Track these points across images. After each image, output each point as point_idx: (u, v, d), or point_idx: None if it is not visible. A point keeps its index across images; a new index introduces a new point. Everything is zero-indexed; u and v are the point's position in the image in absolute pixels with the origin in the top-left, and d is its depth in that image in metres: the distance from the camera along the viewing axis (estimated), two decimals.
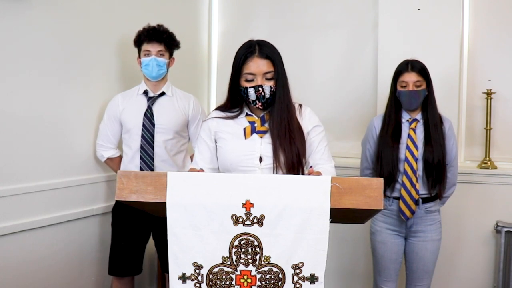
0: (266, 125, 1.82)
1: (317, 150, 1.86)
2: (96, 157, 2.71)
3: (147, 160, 2.54)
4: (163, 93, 2.62)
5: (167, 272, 2.65)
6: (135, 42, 2.60)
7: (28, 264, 2.39)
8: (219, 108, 1.91)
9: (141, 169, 2.52)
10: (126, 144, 2.62)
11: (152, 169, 2.52)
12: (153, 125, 2.55)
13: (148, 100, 2.59)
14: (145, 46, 2.55)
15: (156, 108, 2.58)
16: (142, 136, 2.54)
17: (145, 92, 2.61)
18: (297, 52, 3.34)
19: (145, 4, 3.04)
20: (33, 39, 2.37)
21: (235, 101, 1.85)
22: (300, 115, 1.86)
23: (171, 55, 2.64)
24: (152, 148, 2.54)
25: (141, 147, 2.54)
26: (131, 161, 2.57)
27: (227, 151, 1.83)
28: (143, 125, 2.55)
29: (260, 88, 1.75)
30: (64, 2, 2.52)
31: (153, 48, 2.54)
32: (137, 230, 2.61)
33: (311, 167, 1.79)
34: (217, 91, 3.68)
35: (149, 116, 2.56)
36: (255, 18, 3.56)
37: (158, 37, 2.54)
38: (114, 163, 2.67)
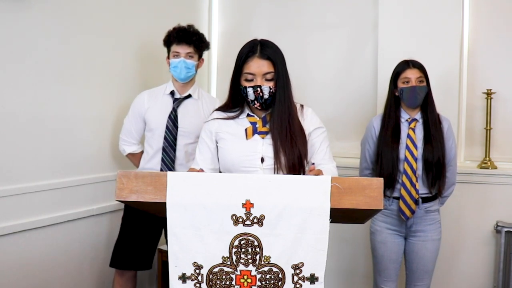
0: (268, 126, 1.82)
1: (319, 151, 1.86)
2: (96, 157, 2.71)
3: (168, 162, 2.53)
4: (189, 96, 2.61)
5: None
6: (165, 42, 2.58)
7: (28, 265, 2.39)
8: (220, 109, 1.91)
9: (161, 170, 2.51)
10: (147, 142, 2.61)
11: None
12: (176, 127, 2.53)
13: (173, 102, 2.58)
14: (174, 48, 2.53)
15: (181, 111, 2.56)
16: (165, 138, 2.54)
17: (172, 93, 2.60)
18: (297, 52, 3.34)
19: (145, 4, 3.04)
20: (32, 39, 2.37)
21: (236, 100, 1.86)
22: (301, 116, 1.86)
23: (200, 56, 2.62)
24: (174, 150, 2.53)
25: (163, 149, 2.53)
26: (151, 160, 2.57)
27: (228, 151, 1.83)
28: (167, 127, 2.53)
29: (258, 89, 1.76)
30: (64, 1, 2.51)
31: (182, 49, 2.51)
32: (148, 226, 2.59)
33: (313, 163, 1.79)
34: (217, 91, 3.68)
35: (173, 118, 2.54)
36: (255, 18, 3.56)
37: (188, 39, 2.52)
38: (136, 158, 2.67)
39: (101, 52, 2.74)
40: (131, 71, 2.88)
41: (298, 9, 3.43)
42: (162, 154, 2.54)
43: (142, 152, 2.67)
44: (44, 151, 2.46)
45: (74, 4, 2.57)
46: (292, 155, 1.76)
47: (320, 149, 1.86)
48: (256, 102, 1.78)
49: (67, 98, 2.56)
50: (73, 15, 2.56)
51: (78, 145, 2.64)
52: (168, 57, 2.58)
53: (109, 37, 2.77)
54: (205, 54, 3.64)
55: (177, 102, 2.58)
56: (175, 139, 2.53)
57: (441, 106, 2.50)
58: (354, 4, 3.30)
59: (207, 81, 3.71)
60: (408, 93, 2.39)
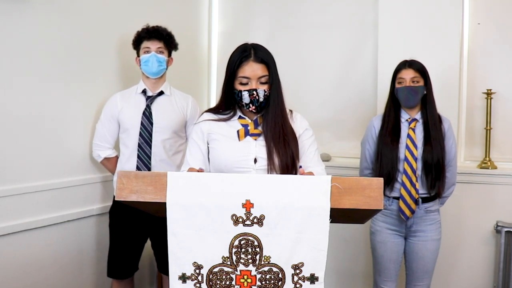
0: (260, 128, 1.83)
1: (308, 153, 1.88)
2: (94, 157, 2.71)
3: (144, 159, 2.53)
4: (161, 93, 2.62)
5: (164, 272, 2.67)
6: (134, 42, 2.59)
7: (27, 264, 2.39)
8: (211, 110, 1.92)
9: (138, 168, 2.51)
10: (123, 144, 2.60)
11: (149, 169, 2.51)
12: (152, 124, 2.54)
13: (146, 99, 2.59)
14: (145, 44, 2.55)
15: (154, 107, 2.57)
16: (140, 134, 2.53)
17: (144, 92, 2.60)
18: (297, 52, 3.34)
19: (145, 4, 3.04)
20: (31, 39, 2.36)
21: (228, 103, 1.87)
22: (291, 120, 1.88)
23: (169, 54, 2.64)
24: (150, 147, 2.53)
25: (139, 145, 2.53)
26: (128, 161, 2.55)
27: (221, 152, 1.83)
28: (142, 124, 2.53)
29: (254, 92, 1.77)
30: (63, 2, 2.51)
31: (153, 45, 2.54)
32: (135, 230, 2.60)
33: (300, 167, 1.80)
34: (217, 91, 3.66)
35: (147, 115, 2.55)
36: (255, 18, 3.56)
37: (158, 35, 2.55)
38: (111, 163, 2.65)
39: (101, 53, 2.74)
40: (131, 71, 2.87)
41: (298, 9, 3.43)
42: (138, 151, 2.53)
43: (117, 157, 2.65)
44: (44, 151, 2.45)
45: (74, 6, 2.57)
46: (285, 156, 1.78)
47: (308, 151, 1.88)
48: (251, 105, 1.79)
49: (67, 98, 2.56)
50: (73, 16, 2.56)
51: (78, 145, 2.64)
52: (138, 56, 2.59)
53: (107, 39, 2.77)
54: (205, 53, 3.67)
55: (150, 99, 2.58)
56: (151, 135, 2.54)
57: (441, 106, 2.50)
58: (354, 4, 3.30)
59: (207, 80, 3.71)
60: (402, 93, 2.39)
